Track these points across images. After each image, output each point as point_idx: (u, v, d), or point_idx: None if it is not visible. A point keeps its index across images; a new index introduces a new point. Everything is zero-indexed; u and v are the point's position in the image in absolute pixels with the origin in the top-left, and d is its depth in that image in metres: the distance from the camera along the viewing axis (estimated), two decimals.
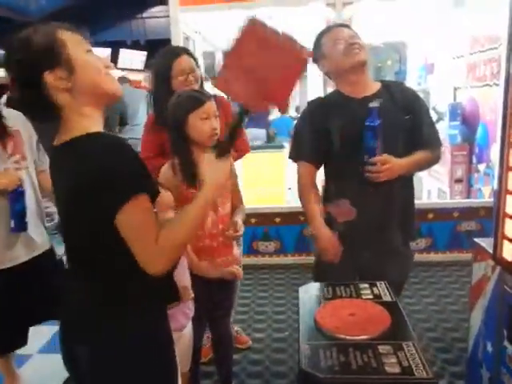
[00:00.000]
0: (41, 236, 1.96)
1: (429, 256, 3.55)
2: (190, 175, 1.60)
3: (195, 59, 2.17)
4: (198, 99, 1.67)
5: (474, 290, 1.67)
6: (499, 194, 1.37)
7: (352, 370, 1.14)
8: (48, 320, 2.07)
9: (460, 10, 3.74)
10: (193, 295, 1.51)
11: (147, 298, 1.07)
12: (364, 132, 1.54)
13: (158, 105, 2.07)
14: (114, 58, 9.96)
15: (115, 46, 9.65)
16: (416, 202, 4.11)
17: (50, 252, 2.02)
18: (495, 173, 3.40)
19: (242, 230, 1.69)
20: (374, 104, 1.53)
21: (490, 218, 3.44)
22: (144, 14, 10.05)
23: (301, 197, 1.77)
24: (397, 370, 1.12)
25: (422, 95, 4.53)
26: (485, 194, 3.67)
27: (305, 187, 1.74)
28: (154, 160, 2.14)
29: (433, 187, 4.29)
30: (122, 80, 5.59)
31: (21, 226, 1.82)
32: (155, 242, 0.96)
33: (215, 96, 1.90)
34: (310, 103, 1.84)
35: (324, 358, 1.19)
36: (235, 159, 2.43)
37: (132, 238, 0.96)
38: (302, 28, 4.01)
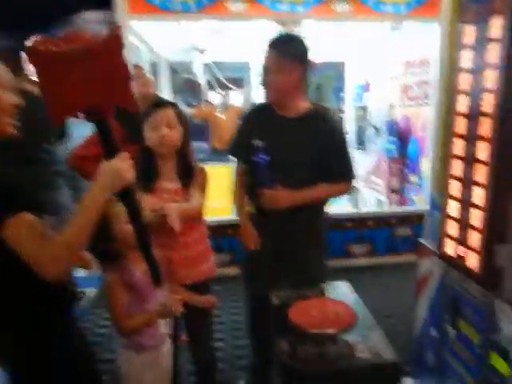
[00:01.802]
0: None
1: (370, 260, 3.83)
2: (142, 182, 1.62)
3: (143, 68, 2.30)
4: (147, 110, 1.72)
5: (420, 284, 1.86)
6: (443, 200, 1.58)
7: (328, 359, 1.26)
8: None
9: (396, 34, 4.11)
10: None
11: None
12: (254, 167, 1.70)
13: (119, 115, 2.10)
14: None
15: None
16: (356, 210, 4.41)
17: None
18: (426, 183, 3.78)
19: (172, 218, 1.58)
20: (259, 143, 1.67)
21: (421, 223, 3.81)
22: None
23: (234, 199, 1.95)
24: (367, 355, 1.26)
25: (361, 112, 4.87)
26: (417, 202, 4.03)
27: (236, 189, 1.94)
28: (91, 164, 2.20)
29: (371, 197, 4.62)
30: None
31: None
32: (42, 248, 1.04)
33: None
34: (251, 109, 1.99)
35: (301, 351, 1.30)
36: None
37: (20, 251, 1.05)
38: (253, 43, 4.20)
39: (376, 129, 4.51)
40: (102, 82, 0.93)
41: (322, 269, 1.95)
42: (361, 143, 4.97)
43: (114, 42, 0.93)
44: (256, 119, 1.85)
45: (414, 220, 3.84)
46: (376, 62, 4.54)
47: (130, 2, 3.25)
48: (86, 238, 1.08)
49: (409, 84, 4.11)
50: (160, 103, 1.79)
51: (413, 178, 4.13)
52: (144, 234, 1.21)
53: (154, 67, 4.69)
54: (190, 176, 1.75)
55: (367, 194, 4.73)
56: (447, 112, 3.61)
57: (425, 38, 3.75)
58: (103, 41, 0.92)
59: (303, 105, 1.79)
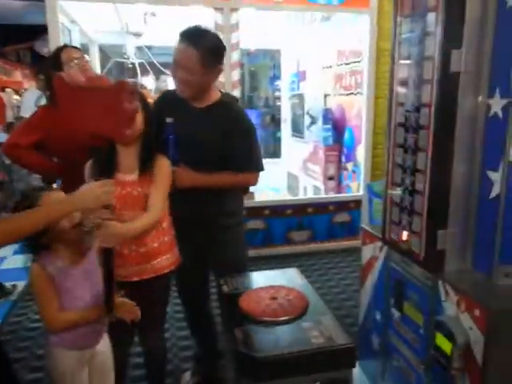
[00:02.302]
0: None
1: (310, 246, 3.93)
2: (104, 171, 1.50)
3: (81, 50, 2.20)
4: None
5: (365, 269, 1.94)
6: (386, 187, 1.64)
7: (282, 345, 1.27)
8: None
9: (327, 24, 4.21)
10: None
11: None
12: (163, 144, 1.71)
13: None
14: None
15: None
16: (295, 198, 4.52)
17: None
18: (362, 170, 3.94)
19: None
20: (169, 120, 1.71)
21: (358, 209, 3.99)
22: None
23: None
24: (321, 340, 1.29)
25: (297, 100, 4.95)
26: (353, 189, 4.20)
27: None
28: (31, 155, 2.08)
29: (308, 184, 4.74)
30: None
31: None
32: None
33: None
34: (163, 94, 2.00)
35: (256, 338, 1.30)
36: None
37: None
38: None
39: (312, 117, 4.61)
40: (103, 115, 1.16)
41: (241, 252, 2.01)
42: (297, 131, 5.07)
43: (120, 88, 1.16)
44: (167, 104, 1.84)
45: (351, 206, 4.00)
46: (310, 50, 4.63)
47: None
48: (29, 232, 1.12)
49: (342, 73, 4.24)
50: None
51: (349, 166, 4.28)
52: (109, 258, 1.34)
53: (84, 49, 4.42)
54: (148, 166, 1.60)
55: (304, 180, 4.84)
56: (378, 101, 3.79)
57: (355, 29, 3.88)
58: (110, 85, 1.18)
59: (213, 95, 1.79)
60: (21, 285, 3.22)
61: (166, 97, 1.93)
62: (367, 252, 1.92)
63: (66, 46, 2.26)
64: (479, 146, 1.36)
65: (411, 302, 1.56)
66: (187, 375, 2.19)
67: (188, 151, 1.71)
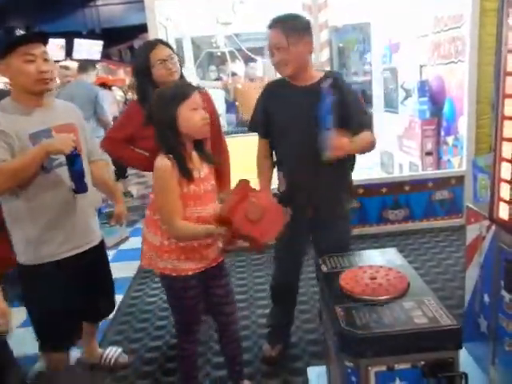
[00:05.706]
0: (96, 226, 2.02)
1: (407, 225, 3.80)
2: (187, 171, 1.63)
3: (171, 48, 2.17)
4: (184, 90, 1.63)
5: (470, 250, 1.85)
6: (494, 162, 1.54)
7: (385, 324, 1.29)
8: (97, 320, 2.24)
9: None
10: None
11: None
12: (320, 111, 1.68)
13: (144, 99, 2.07)
14: (69, 48, 9.63)
15: (70, 36, 9.32)
16: (392, 175, 4.35)
17: (102, 244, 2.06)
18: (464, 144, 3.68)
19: None
20: (325, 84, 1.68)
21: (460, 185, 3.74)
22: (97, 2, 9.71)
23: (257, 166, 2.11)
24: (424, 320, 1.28)
25: (389, 74, 4.72)
26: (454, 164, 3.94)
27: (259, 158, 2.11)
28: (124, 148, 2.20)
29: (404, 161, 4.54)
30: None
31: (82, 187, 1.80)
32: None
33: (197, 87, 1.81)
34: (267, 84, 2.12)
35: (358, 317, 1.33)
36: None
37: None
38: (279, 10, 4.10)
39: (406, 90, 4.38)
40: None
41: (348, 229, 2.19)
42: (390, 106, 4.85)
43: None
44: (274, 93, 2.00)
45: (453, 183, 3.77)
46: (403, 20, 4.36)
47: None
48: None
49: (439, 41, 3.95)
50: (192, 84, 1.73)
51: (449, 139, 4.02)
52: None
53: (178, 43, 4.68)
54: (211, 156, 1.78)
55: (399, 157, 4.65)
56: (481, 68, 3.47)
57: None
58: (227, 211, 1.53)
59: (316, 74, 1.95)
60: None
61: (271, 87, 2.07)
62: (472, 232, 1.83)
63: (155, 44, 2.14)
64: None
65: None
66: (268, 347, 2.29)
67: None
